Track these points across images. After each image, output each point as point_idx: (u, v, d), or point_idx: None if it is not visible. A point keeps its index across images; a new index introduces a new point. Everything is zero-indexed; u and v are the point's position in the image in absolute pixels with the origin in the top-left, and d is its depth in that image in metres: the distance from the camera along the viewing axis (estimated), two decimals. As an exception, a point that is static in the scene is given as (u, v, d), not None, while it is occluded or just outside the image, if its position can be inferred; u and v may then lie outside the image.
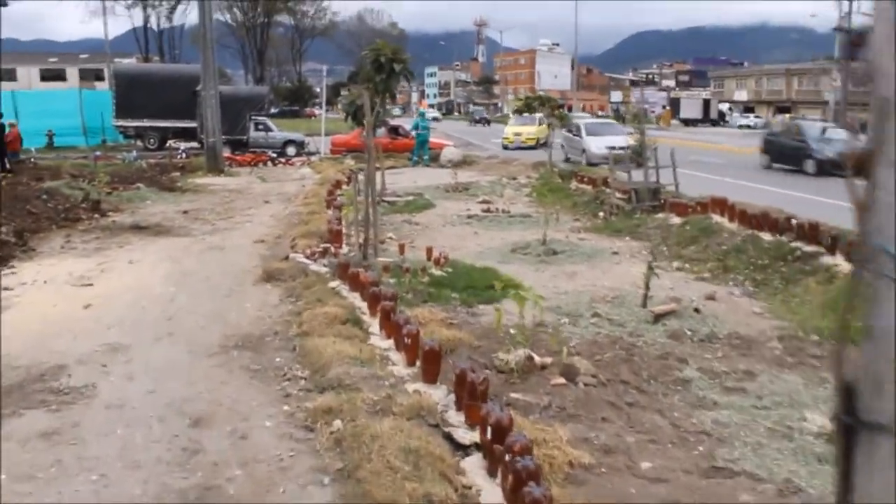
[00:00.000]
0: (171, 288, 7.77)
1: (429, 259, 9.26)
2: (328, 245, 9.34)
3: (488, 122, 76.22)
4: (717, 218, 11.59)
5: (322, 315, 6.23)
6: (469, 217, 14.12)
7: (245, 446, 3.92)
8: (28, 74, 74.20)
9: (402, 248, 9.60)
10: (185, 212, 14.34)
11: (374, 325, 6.22)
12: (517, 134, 34.21)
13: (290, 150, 32.79)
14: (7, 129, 25.83)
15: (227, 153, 28.43)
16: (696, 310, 7.46)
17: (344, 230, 10.85)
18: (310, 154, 31.40)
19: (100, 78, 63.06)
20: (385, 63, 7.90)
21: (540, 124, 35.37)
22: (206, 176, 22.34)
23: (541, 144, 33.19)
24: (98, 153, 26.49)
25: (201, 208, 15.08)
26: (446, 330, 6.15)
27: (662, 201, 13.59)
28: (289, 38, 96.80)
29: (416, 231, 12.68)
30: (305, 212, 13.84)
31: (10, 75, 73.07)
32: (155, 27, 75.49)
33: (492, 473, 3.57)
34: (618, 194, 14.97)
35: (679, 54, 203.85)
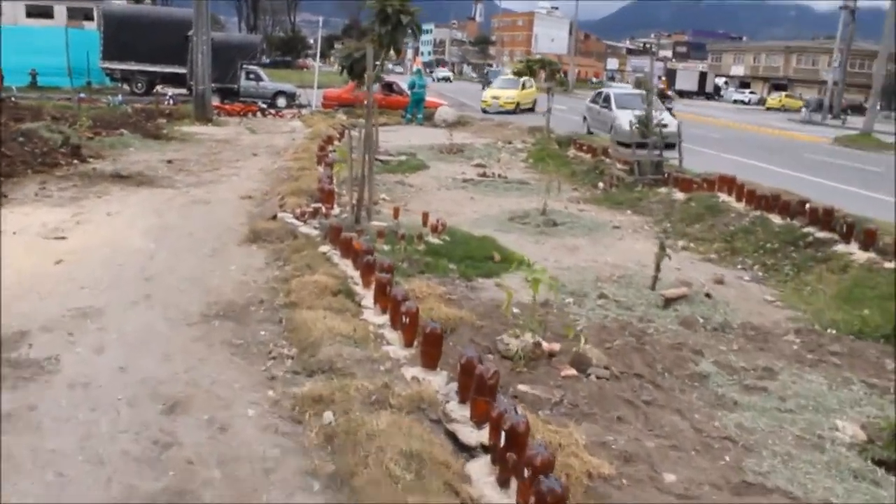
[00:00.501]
0: (151, 244, 7.25)
1: (424, 225, 8.78)
2: (319, 205, 8.83)
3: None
4: (723, 196, 11.16)
5: (312, 284, 5.76)
6: (465, 181, 13.61)
7: (224, 440, 3.47)
8: (13, 9, 72.06)
9: (396, 211, 9.11)
10: (170, 161, 13.72)
11: (367, 297, 5.76)
12: (495, 97, 33.11)
13: (281, 102, 31.96)
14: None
15: (216, 102, 27.62)
16: (708, 294, 7.06)
17: (336, 189, 10.34)
18: (301, 106, 30.61)
19: (89, 18, 61.13)
20: (392, 14, 7.30)
21: (523, 88, 34.64)
22: (194, 124, 21.61)
23: (524, 109, 32.66)
24: (82, 95, 25.54)
25: (187, 158, 14.46)
26: (445, 307, 5.71)
27: (666, 175, 13.13)
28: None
29: (409, 193, 12.17)
30: (295, 167, 13.28)
31: (-5, 10, 71.20)
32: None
33: (503, 484, 3.16)
34: (619, 165, 14.50)
35: (678, 25, 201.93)
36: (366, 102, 8.86)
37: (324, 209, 8.69)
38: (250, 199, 10.31)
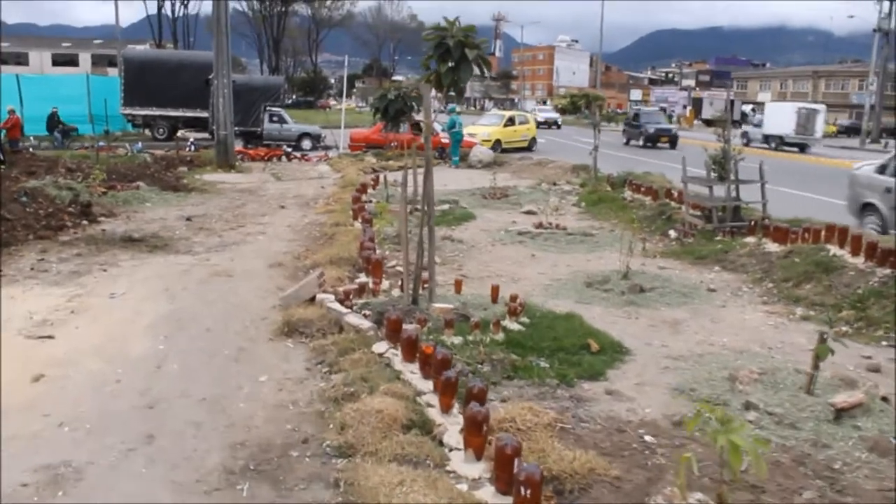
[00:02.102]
0: (159, 346, 5.72)
1: (494, 301, 7.20)
2: (365, 279, 7.29)
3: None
4: (833, 249, 9.46)
5: (373, 415, 4.17)
6: (520, 234, 12.03)
7: None
8: (40, 59, 72.62)
9: (458, 285, 7.51)
10: (189, 219, 12.31)
11: (451, 432, 4.16)
12: (471, 135, 28.72)
13: (306, 144, 30.86)
14: (6, 116, 24.05)
15: (239, 146, 26.48)
16: (884, 398, 5.37)
17: (378, 252, 8.81)
18: (327, 148, 29.41)
19: (113, 64, 61.11)
20: (454, 48, 5.75)
21: (511, 124, 32.52)
22: (216, 171, 20.38)
23: (512, 149, 30.08)
24: (101, 143, 24.51)
25: (207, 214, 13.06)
26: (561, 445, 4.08)
27: (751, 223, 11.47)
28: (305, 28, 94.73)
29: (461, 251, 10.61)
30: (329, 223, 11.81)
31: (23, 59, 71.62)
32: (170, 14, 73.41)
33: None
34: (691, 210, 12.85)
35: (697, 54, 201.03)
36: (422, 153, 7.33)
37: (371, 284, 7.14)
38: (280, 266, 8.80)
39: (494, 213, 14.46)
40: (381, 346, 5.41)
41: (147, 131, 33.25)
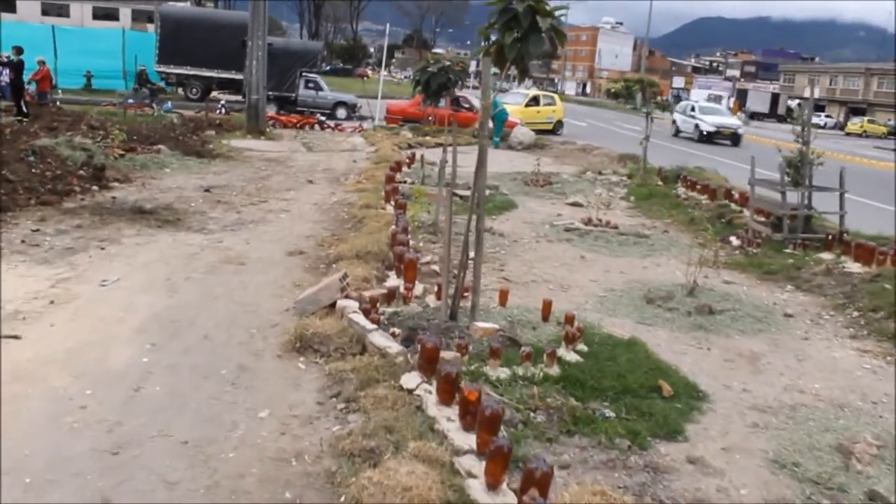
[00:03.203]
0: (144, 358, 4.72)
1: (545, 319, 6.13)
2: (395, 283, 6.26)
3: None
4: (932, 275, 8.24)
5: (398, 494, 3.14)
6: (567, 229, 10.90)
7: None
8: (81, 11, 72.01)
9: (503, 296, 6.43)
10: (208, 190, 11.35)
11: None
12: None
13: (341, 113, 29.82)
14: (35, 68, 23.27)
15: (272, 111, 25.50)
16: None
17: (415, 251, 7.77)
18: (362, 119, 28.32)
19: (152, 20, 60.33)
20: (522, 15, 4.62)
21: (535, 104, 30.60)
22: (245, 137, 19.41)
23: (537, 131, 26.70)
24: (130, 101, 23.70)
25: (229, 185, 12.09)
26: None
27: (828, 236, 10.25)
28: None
29: (502, 247, 9.53)
30: (358, 203, 10.79)
31: (64, 11, 71.06)
32: (211, -29, 72.33)
33: None
34: (757, 217, 11.61)
35: (743, 44, 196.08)
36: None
37: (403, 289, 6.10)
38: (300, 255, 7.78)
39: (537, 203, 13.33)
40: (411, 380, 4.38)
41: (180, 90, 32.42)
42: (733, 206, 13.04)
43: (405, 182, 12.87)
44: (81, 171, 10.91)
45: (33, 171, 10.12)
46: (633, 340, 6.08)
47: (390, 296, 5.95)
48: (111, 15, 71.01)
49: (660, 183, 16.02)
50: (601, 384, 5.00)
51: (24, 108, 19.15)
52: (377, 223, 9.20)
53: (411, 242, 8.10)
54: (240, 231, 8.89)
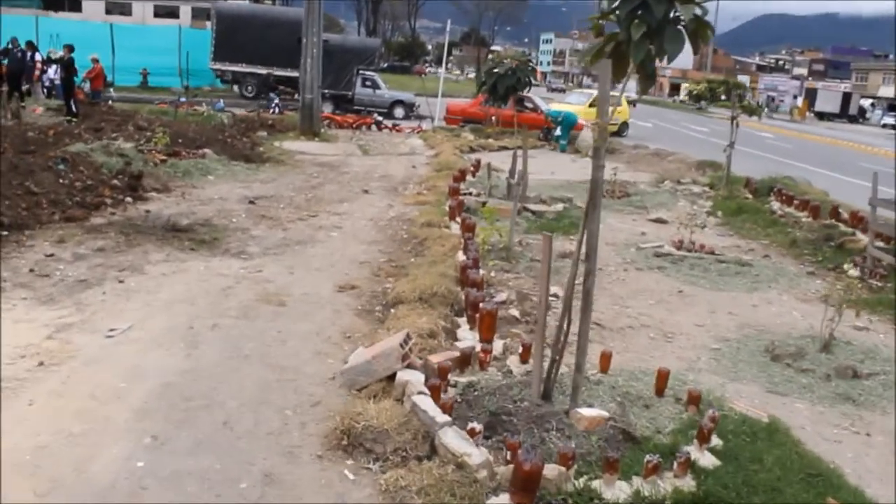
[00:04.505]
0: (138, 462, 3.51)
1: (659, 394, 4.76)
2: (466, 340, 4.98)
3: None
4: None
5: None
6: (657, 255, 9.47)
7: None
8: (143, 9, 72.70)
9: (604, 361, 5.05)
10: (252, 201, 10.26)
11: None
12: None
13: (399, 112, 28.73)
14: (89, 66, 22.72)
15: (328, 110, 24.50)
16: None
17: (484, 276, 6.47)
18: (420, 118, 27.12)
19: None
20: (654, 3, 3.25)
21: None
22: (298, 139, 18.41)
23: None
24: (182, 99, 22.95)
25: (276, 195, 10.99)
26: None
27: (976, 267, 8.61)
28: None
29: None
30: (420, 220, 9.56)
31: (126, 10, 71.85)
32: (270, -32, 72.18)
33: None
34: (878, 242, 9.98)
35: (809, 41, 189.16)
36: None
37: (479, 350, 4.80)
38: (353, 291, 6.55)
39: (617, 219, 11.90)
40: (500, 509, 3.08)
41: (236, 88, 31.79)
42: (842, 226, 11.38)
43: (470, 193, 11.58)
44: (116, 181, 9.92)
45: (61, 181, 9.13)
46: (774, 426, 4.67)
47: (463, 360, 4.66)
48: (172, 13, 71.41)
49: (748, 196, 14.39)
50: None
51: (73, 108, 18.46)
52: (441, 247, 7.94)
53: (482, 273, 6.81)
54: (284, 255, 7.72)
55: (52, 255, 6.79)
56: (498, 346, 5.15)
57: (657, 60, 3.84)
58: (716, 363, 5.97)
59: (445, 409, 3.87)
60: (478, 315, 5.21)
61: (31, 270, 6.29)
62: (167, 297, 5.92)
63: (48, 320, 5.17)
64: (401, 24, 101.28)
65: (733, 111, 16.55)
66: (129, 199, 9.50)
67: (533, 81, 12.48)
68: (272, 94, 26.59)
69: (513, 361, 4.96)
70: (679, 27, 3.63)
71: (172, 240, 7.80)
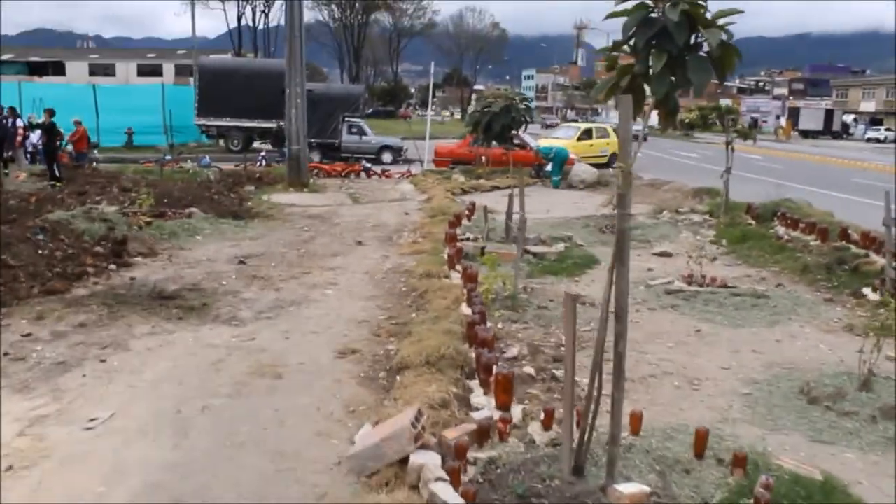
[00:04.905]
0: None
1: (699, 454, 4.30)
2: (482, 411, 4.52)
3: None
4: None
5: None
6: (668, 292, 9.05)
7: None
8: (126, 70, 73.07)
9: (635, 422, 4.60)
10: (242, 261, 9.84)
11: None
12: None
13: (386, 157, 28.52)
14: (73, 129, 22.46)
15: (316, 159, 24.23)
16: None
17: (493, 331, 6.03)
18: (409, 162, 26.90)
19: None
20: (675, 30, 2.88)
21: (588, 137, 28.79)
22: (287, 191, 18.05)
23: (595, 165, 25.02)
24: (168, 157, 22.67)
25: (267, 252, 10.58)
26: None
27: None
28: (386, 37, 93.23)
29: (598, 322, 7.70)
30: (418, 271, 9.14)
31: (110, 70, 72.24)
32: (250, 24, 72.82)
33: None
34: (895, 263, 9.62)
35: (786, 62, 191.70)
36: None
37: (497, 416, 4.35)
38: (353, 356, 6.10)
39: (620, 255, 11.48)
40: None
41: (222, 142, 31.60)
42: (853, 248, 11.02)
43: (467, 238, 11.20)
44: (99, 247, 9.50)
45: (40, 251, 8.70)
46: (829, 484, 4.22)
47: (481, 432, 4.21)
48: (155, 71, 71.86)
49: (751, 222, 14.06)
50: None
51: (56, 173, 18.11)
52: (443, 300, 7.51)
53: (491, 328, 6.38)
54: (277, 318, 7.28)
55: (28, 334, 6.33)
56: (516, 411, 4.69)
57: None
58: (750, 411, 5.52)
59: (468, 497, 3.41)
60: (492, 379, 4.77)
61: (7, 354, 5.82)
62: (153, 377, 5.45)
63: (21, 412, 4.70)
64: (383, 68, 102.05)
65: (728, 136, 16.33)
66: (112, 266, 9.06)
67: (528, 119, 12.17)
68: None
69: (535, 429, 4.50)
70: (703, 55, 3.26)
71: (159, 309, 7.35)
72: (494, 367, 4.70)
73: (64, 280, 8.19)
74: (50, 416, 4.68)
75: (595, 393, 3.65)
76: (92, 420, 4.61)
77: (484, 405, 4.78)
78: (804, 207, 14.63)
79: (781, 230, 12.88)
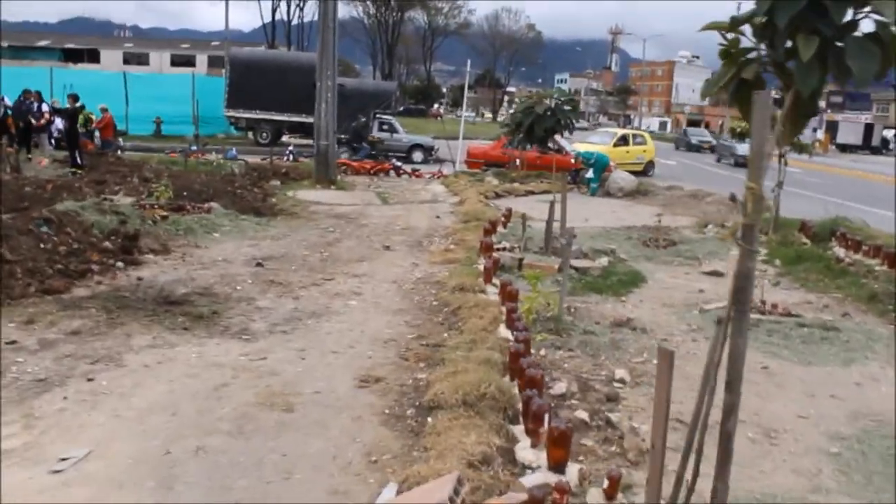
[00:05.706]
0: None
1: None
2: (536, 480, 3.70)
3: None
4: None
5: None
6: (726, 319, 8.14)
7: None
8: (160, 59, 73.15)
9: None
10: (260, 263, 9.10)
11: None
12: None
13: (417, 156, 27.80)
14: (98, 115, 22.02)
15: (344, 156, 23.52)
16: None
17: (541, 367, 5.19)
18: (440, 162, 26.12)
19: (224, 65, 60.26)
20: (834, 3, 2.01)
21: (619, 144, 27.55)
22: (313, 187, 17.38)
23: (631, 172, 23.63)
24: (193, 148, 22.10)
25: (287, 254, 9.84)
26: None
27: None
28: (420, 35, 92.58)
29: (650, 352, 6.84)
30: (450, 283, 8.33)
31: (144, 60, 72.38)
32: (285, 17, 72.45)
33: None
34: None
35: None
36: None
37: (552, 488, 3.52)
38: (377, 385, 5.30)
39: (667, 272, 10.62)
40: None
41: (250, 135, 31.10)
42: (928, 275, 10.03)
43: (504, 248, 10.36)
44: (108, 243, 8.81)
45: (42, 245, 8.01)
46: None
47: (533, 505, 3.38)
48: (189, 62, 71.86)
49: (805, 241, 13.05)
50: None
51: (78, 160, 17.59)
52: (480, 319, 6.70)
53: (538, 361, 5.55)
54: (293, 333, 6.51)
55: (14, 342, 5.62)
56: (571, 471, 3.86)
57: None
58: (844, 477, 4.64)
59: None
60: (542, 429, 3.94)
61: (-16, 367, 5.11)
62: (144, 404, 4.68)
63: (-17, 451, 3.96)
64: (416, 67, 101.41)
65: (781, 149, 15.31)
66: (120, 263, 8.36)
67: (576, 123, 11.32)
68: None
69: (595, 497, 3.67)
70: (862, 37, 2.41)
71: (164, 316, 6.63)
72: (552, 422, 3.86)
73: (65, 278, 7.50)
74: (14, 452, 3.93)
75: (689, 477, 2.81)
76: (62, 460, 3.85)
77: (532, 461, 3.96)
78: (864, 228, 13.61)
79: (841, 252, 11.88)
